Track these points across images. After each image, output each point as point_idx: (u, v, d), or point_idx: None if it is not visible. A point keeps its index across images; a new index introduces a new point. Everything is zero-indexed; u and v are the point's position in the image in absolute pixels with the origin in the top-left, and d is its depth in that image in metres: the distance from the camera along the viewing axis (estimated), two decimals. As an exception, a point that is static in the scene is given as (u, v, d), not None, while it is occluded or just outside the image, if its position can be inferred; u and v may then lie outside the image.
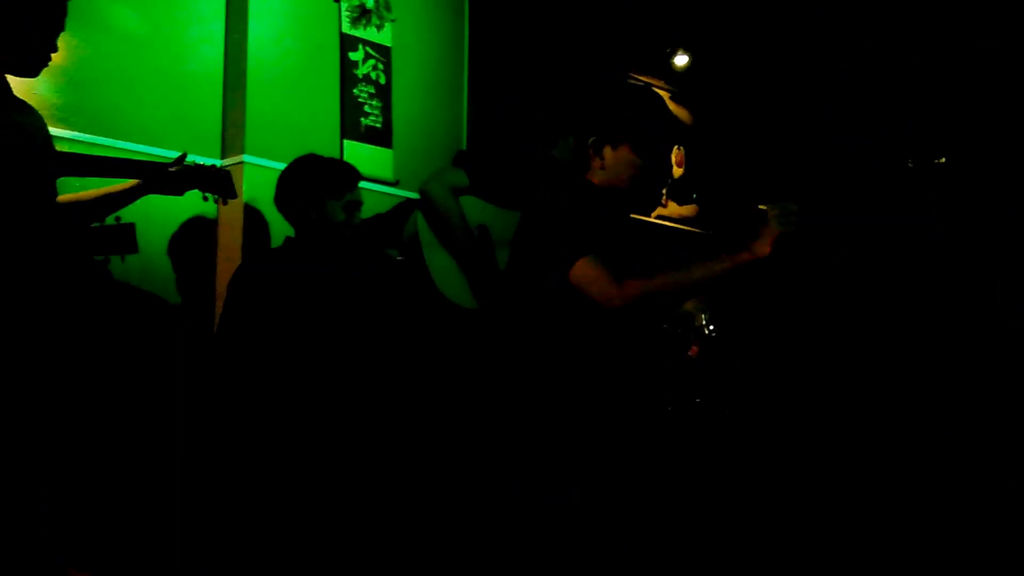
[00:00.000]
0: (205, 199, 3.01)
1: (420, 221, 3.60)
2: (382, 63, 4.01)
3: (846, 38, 5.42)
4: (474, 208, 3.72)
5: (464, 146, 4.35)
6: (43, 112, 2.64)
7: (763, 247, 2.33)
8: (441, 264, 3.57)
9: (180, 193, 2.93)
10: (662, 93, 5.36)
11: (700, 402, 3.12)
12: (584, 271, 2.39)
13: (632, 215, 2.77)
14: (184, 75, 3.62)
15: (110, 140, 3.37)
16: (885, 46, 5.38)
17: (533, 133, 3.89)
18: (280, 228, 3.34)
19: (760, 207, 2.37)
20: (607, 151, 2.63)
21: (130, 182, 2.83)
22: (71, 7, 2.53)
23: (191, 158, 3.02)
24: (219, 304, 3.33)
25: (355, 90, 3.89)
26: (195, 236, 3.55)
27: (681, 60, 5.51)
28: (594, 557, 2.36)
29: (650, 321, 2.65)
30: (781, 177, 5.55)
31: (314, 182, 3.16)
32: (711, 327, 3.13)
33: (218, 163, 3.54)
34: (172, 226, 3.49)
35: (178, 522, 3.05)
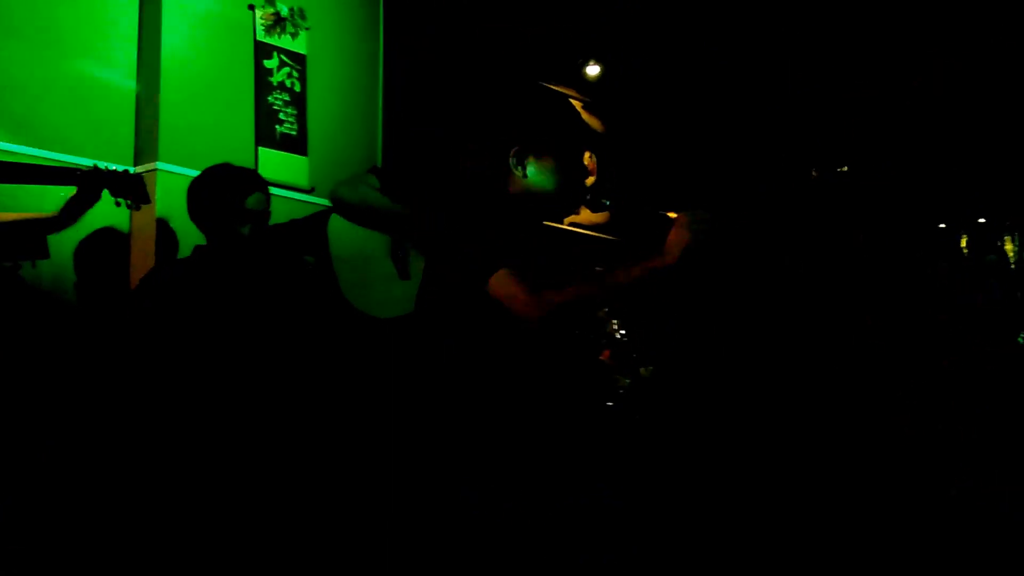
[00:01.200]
0: (117, 204, 3.00)
1: (332, 229, 3.61)
2: (297, 71, 4.01)
3: (757, 44, 5.54)
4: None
5: (379, 152, 4.37)
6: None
7: (672, 254, 2.34)
8: (352, 275, 3.58)
9: (93, 199, 2.93)
10: (574, 103, 5.44)
11: (612, 406, 3.17)
12: (503, 282, 2.39)
13: (545, 222, 2.80)
14: (97, 81, 3.59)
15: (22, 147, 3.32)
16: (798, 52, 5.51)
17: (448, 140, 3.93)
18: (194, 236, 3.32)
19: (669, 214, 2.40)
20: (524, 161, 2.65)
21: (51, 212, 2.89)
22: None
23: (104, 165, 3.01)
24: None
25: (270, 97, 3.89)
26: (107, 242, 3.51)
27: (593, 70, 5.60)
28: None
29: (563, 327, 2.68)
30: (691, 184, 5.66)
31: (218, 189, 3.14)
32: (622, 332, 3.18)
33: (131, 170, 3.50)
34: (84, 231, 3.44)
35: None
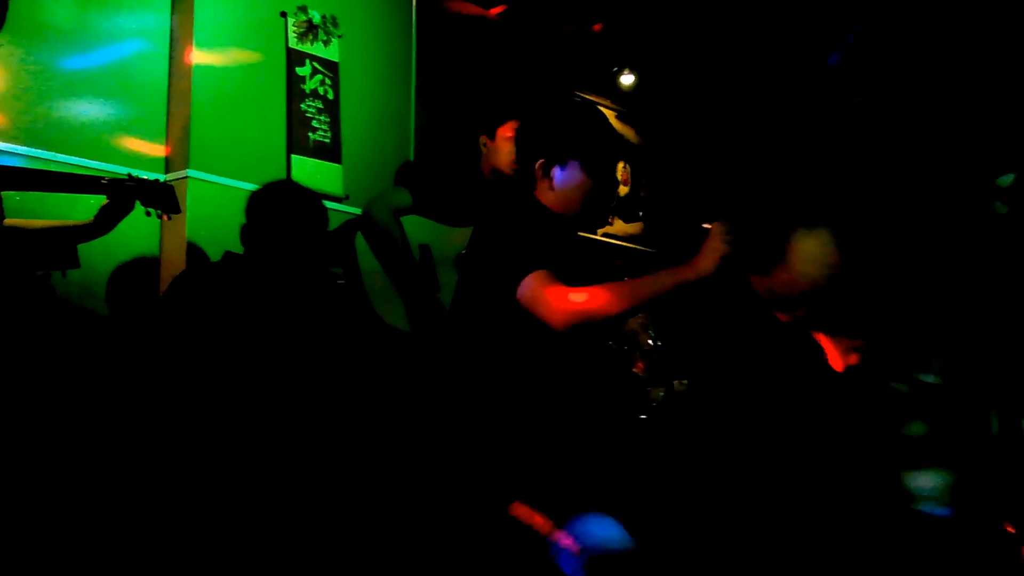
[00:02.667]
0: (148, 214, 3.01)
1: (360, 244, 3.60)
2: (330, 78, 4.00)
3: (792, 57, 5.48)
4: (417, 228, 3.72)
5: (411, 158, 4.36)
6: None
7: (707, 265, 2.33)
8: (380, 288, 3.57)
9: (127, 209, 2.93)
10: (608, 112, 5.40)
11: (646, 419, 3.13)
12: (533, 288, 2.38)
13: (579, 233, 2.77)
14: (128, 88, 3.58)
15: (52, 154, 3.32)
16: (830, 65, 5.45)
17: (477, 147, 3.91)
18: (225, 243, 3.31)
19: (704, 225, 2.37)
20: (555, 170, 2.62)
21: (83, 220, 2.90)
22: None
23: (134, 173, 3.01)
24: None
25: (303, 105, 3.88)
26: (138, 251, 3.51)
27: (627, 79, 5.55)
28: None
29: (596, 338, 2.65)
30: (726, 196, 5.60)
31: (281, 205, 3.13)
32: (657, 343, 3.14)
33: (162, 178, 3.49)
34: (114, 240, 3.43)
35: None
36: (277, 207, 3.09)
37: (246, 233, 3.14)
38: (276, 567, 2.83)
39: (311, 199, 3.19)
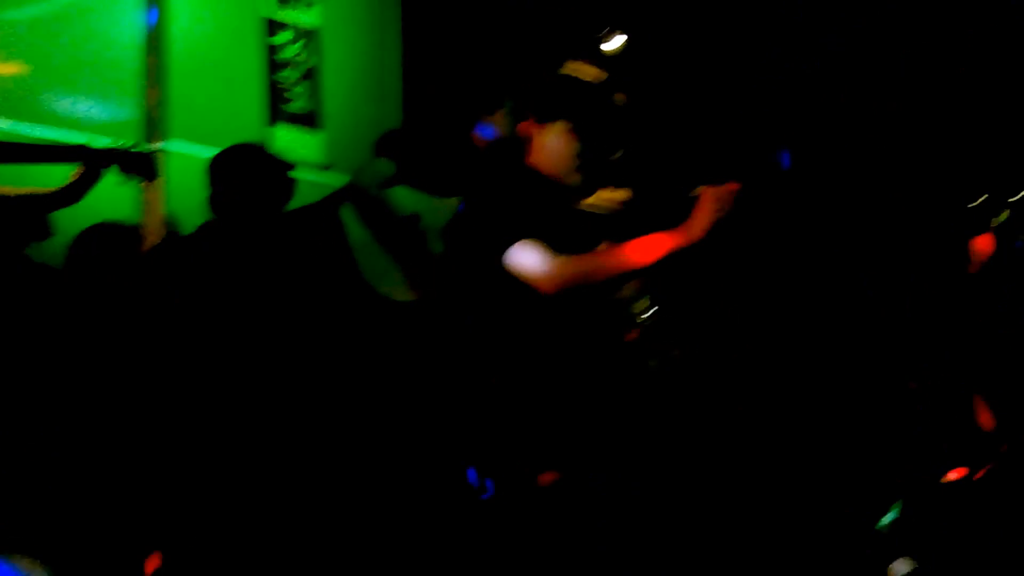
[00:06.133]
0: (126, 182, 2.97)
1: (347, 214, 3.55)
2: (308, 45, 3.94)
3: (784, 25, 5.45)
4: (404, 198, 3.67)
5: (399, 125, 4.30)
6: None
7: (697, 231, 2.32)
8: (372, 260, 3.53)
9: (96, 177, 2.88)
10: (597, 76, 5.32)
11: (638, 388, 3.10)
12: (522, 255, 2.36)
13: (569, 198, 2.74)
14: (103, 60, 3.55)
15: (27, 126, 3.28)
16: (826, 35, 5.42)
17: (469, 113, 3.85)
18: (205, 216, 3.26)
19: (694, 191, 2.36)
20: (542, 131, 2.59)
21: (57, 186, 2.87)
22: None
23: (112, 143, 2.97)
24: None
25: (281, 73, 3.82)
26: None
27: (617, 44, 5.48)
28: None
29: (587, 306, 2.62)
30: (718, 161, 5.56)
31: (242, 170, 3.08)
32: (649, 313, 3.13)
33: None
34: (91, 210, 3.38)
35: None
36: (237, 171, 3.04)
37: (213, 200, 3.09)
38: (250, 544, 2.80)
39: (274, 163, 3.13)
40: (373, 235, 3.59)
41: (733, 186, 2.34)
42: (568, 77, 2.72)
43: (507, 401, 2.42)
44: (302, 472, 2.89)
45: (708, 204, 2.33)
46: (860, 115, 5.33)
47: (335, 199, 3.73)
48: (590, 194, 5.33)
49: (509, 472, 2.39)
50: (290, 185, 3.15)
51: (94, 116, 3.49)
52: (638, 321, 3.11)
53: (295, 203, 3.38)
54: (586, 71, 2.83)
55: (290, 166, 3.19)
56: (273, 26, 3.83)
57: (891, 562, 1.59)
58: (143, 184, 3.00)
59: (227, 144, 3.46)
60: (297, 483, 2.88)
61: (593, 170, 2.71)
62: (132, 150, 2.98)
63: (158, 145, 3.49)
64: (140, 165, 2.96)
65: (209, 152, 3.49)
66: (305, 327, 3.06)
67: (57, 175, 3.07)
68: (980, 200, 4.10)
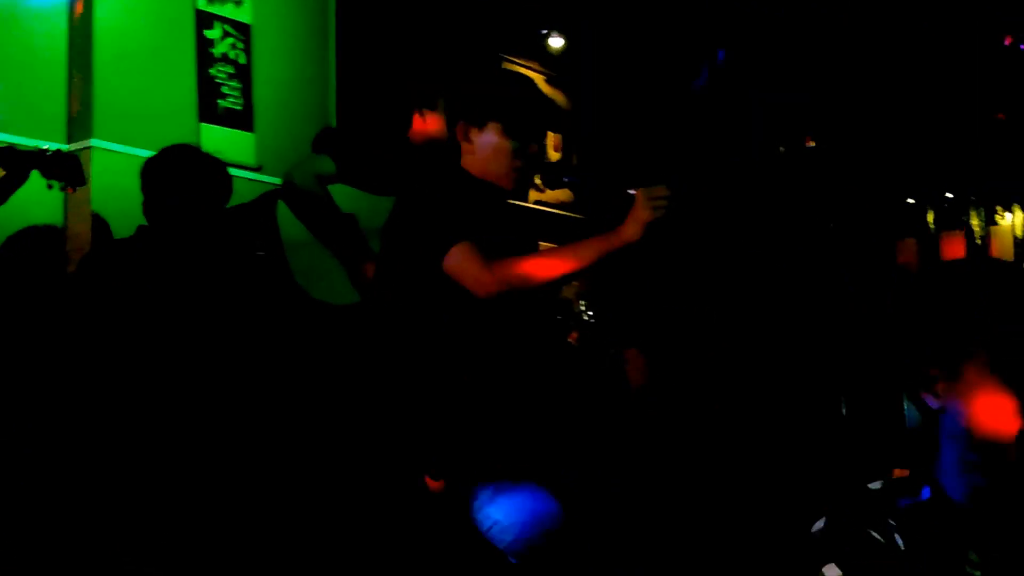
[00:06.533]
0: (50, 187, 2.87)
1: (282, 215, 3.48)
2: (241, 41, 3.87)
3: (730, 20, 5.47)
4: (341, 197, 3.61)
5: (333, 124, 4.24)
6: None
7: (631, 232, 2.33)
8: (306, 261, 3.46)
9: (19, 181, 2.78)
10: (536, 76, 5.30)
11: (580, 389, 3.09)
12: (458, 259, 2.35)
13: (508, 200, 2.71)
14: (25, 53, 3.44)
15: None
16: (769, 30, 5.45)
17: (404, 113, 3.80)
18: (133, 215, 3.17)
19: (630, 191, 2.37)
20: (475, 133, 2.57)
21: None
22: None
23: (34, 143, 2.88)
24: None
25: (212, 70, 3.76)
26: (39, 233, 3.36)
27: (556, 43, 5.46)
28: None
29: (527, 308, 2.60)
30: (657, 161, 5.58)
31: (179, 173, 2.99)
32: (590, 313, 3.13)
33: (64, 148, 3.33)
34: (13, 217, 3.26)
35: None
36: (173, 174, 2.95)
37: (147, 206, 3.01)
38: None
39: (212, 164, 3.06)
40: (311, 234, 3.52)
41: (662, 190, 2.34)
42: (502, 77, 2.70)
43: (444, 401, 2.39)
44: (234, 473, 2.84)
45: (642, 206, 2.33)
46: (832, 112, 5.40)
47: (268, 198, 3.66)
48: (525, 195, 5.33)
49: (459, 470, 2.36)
50: (228, 186, 3.07)
51: (14, 114, 3.36)
52: (579, 322, 3.11)
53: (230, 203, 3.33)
54: (520, 71, 2.80)
55: (225, 166, 3.12)
56: (206, 20, 3.74)
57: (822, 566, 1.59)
58: (68, 188, 2.89)
59: (156, 143, 3.39)
60: (230, 485, 2.82)
61: (528, 171, 2.69)
62: (57, 153, 2.87)
63: (84, 144, 3.41)
64: (65, 167, 2.86)
65: (137, 151, 3.43)
66: (238, 331, 3.00)
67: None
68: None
